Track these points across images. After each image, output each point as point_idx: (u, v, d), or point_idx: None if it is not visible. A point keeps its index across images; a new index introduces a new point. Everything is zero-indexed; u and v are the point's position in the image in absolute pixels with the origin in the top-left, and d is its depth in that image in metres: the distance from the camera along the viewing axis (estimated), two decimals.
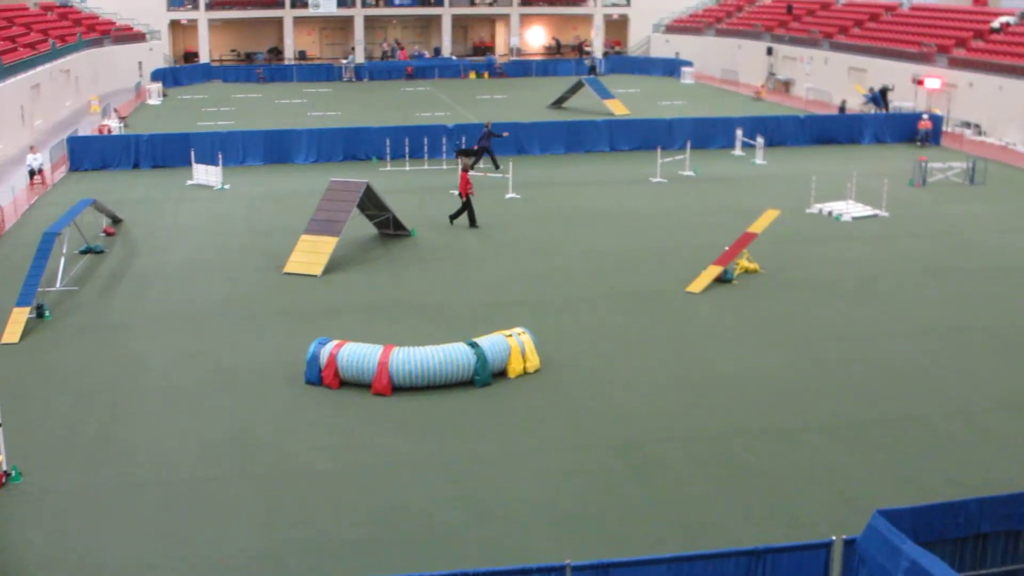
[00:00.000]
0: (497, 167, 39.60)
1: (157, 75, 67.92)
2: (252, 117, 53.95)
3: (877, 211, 33.08)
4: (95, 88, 62.31)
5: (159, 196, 35.92)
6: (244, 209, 33.91)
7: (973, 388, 19.41)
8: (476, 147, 40.20)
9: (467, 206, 31.15)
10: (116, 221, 31.63)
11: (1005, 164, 42.27)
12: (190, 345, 21.65)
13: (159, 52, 74.11)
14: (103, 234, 30.45)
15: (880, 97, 53.19)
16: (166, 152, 41.39)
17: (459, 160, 36.67)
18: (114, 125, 48.59)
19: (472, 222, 31.09)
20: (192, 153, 39.78)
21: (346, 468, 16.35)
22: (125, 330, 22.66)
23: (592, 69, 74.40)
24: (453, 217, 31.35)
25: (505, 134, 41.97)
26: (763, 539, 13.58)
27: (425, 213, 32.56)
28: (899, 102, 53.77)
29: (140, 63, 69.81)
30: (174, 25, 79.38)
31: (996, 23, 54.66)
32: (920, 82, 51.57)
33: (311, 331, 21.75)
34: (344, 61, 74.48)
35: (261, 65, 77.21)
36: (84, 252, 28.43)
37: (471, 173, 32.57)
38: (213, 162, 39.14)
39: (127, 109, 57.35)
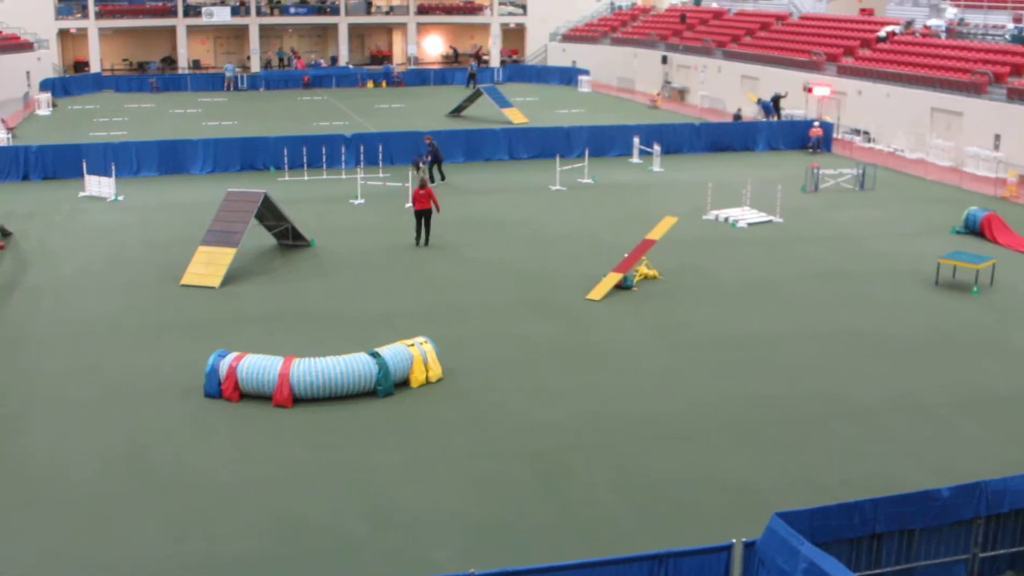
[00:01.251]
0: (440, 178, 39.26)
1: (46, 85, 66.35)
2: (146, 127, 53.03)
3: (771, 217, 33.71)
4: None
5: (50, 208, 35.10)
6: (139, 220, 33.31)
7: (865, 389, 19.86)
8: (422, 163, 38.81)
9: (424, 222, 29.91)
10: (5, 234, 30.83)
11: (893, 170, 43.38)
12: (85, 359, 21.18)
13: (48, 61, 72.34)
14: None
15: (772, 105, 54.23)
16: (57, 163, 40.45)
17: (418, 171, 36.49)
18: (1, 136, 47.38)
19: (419, 237, 30.04)
20: (84, 164, 38.98)
21: (247, 480, 16.15)
22: (17, 344, 22.07)
23: (471, 77, 74.72)
24: (423, 235, 29.97)
25: (428, 157, 39.48)
26: (665, 543, 13.71)
27: (325, 223, 32.32)
28: (790, 110, 54.89)
29: (28, 73, 68.04)
30: (63, 34, 77.65)
31: (882, 32, 56.11)
32: (810, 90, 52.69)
33: (210, 343, 21.44)
34: (228, 73, 73.33)
35: (154, 74, 75.96)
36: None
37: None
38: (106, 173, 38.40)
39: (15, 120, 55.96)
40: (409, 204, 33.25)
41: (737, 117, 54.37)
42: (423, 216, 29.78)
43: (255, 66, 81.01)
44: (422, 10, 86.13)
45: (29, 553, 14.13)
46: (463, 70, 78.73)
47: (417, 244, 29.90)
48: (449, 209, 34.42)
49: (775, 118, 53.22)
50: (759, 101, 55.00)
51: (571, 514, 15.23)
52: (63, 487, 15.93)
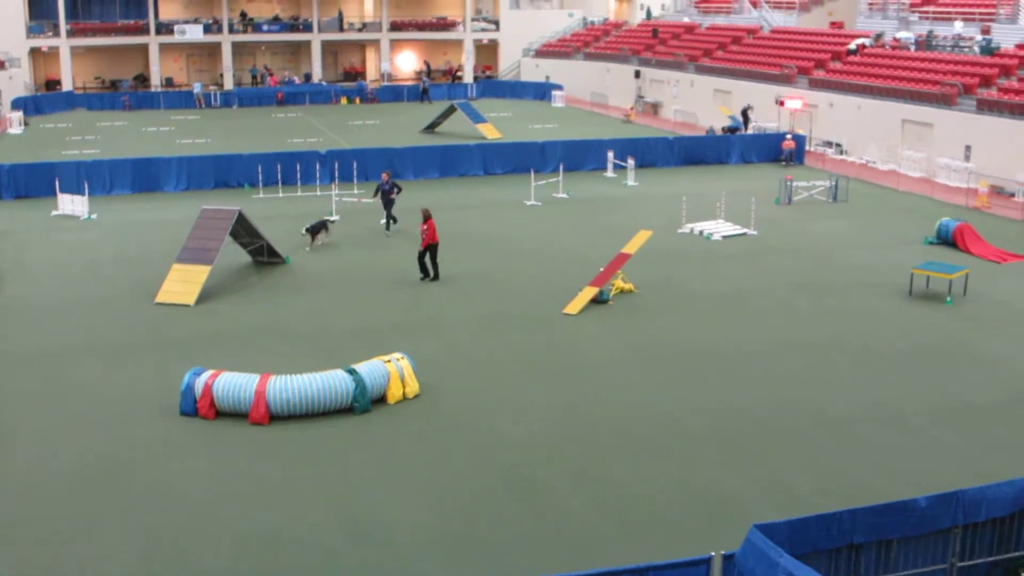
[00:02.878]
0: (393, 223, 34.10)
1: (18, 104, 66.04)
2: (119, 145, 52.78)
3: (746, 229, 33.83)
4: None
5: (22, 227, 34.86)
6: (113, 239, 33.12)
7: (842, 400, 19.93)
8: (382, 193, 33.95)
9: (429, 256, 28.01)
10: None
11: (866, 181, 43.63)
12: (59, 378, 21.00)
13: (19, 80, 71.94)
14: None
15: (740, 119, 54.53)
16: (29, 182, 40.15)
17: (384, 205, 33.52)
18: None
19: (425, 272, 28.09)
20: (57, 183, 38.78)
21: (223, 497, 16.04)
22: None
23: (424, 92, 74.85)
24: (428, 272, 28.09)
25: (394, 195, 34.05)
26: (644, 557, 13.71)
27: (300, 240, 32.21)
28: (763, 122, 55.14)
29: None
30: (35, 52, 77.22)
31: (853, 45, 56.48)
32: (782, 103, 52.98)
33: (185, 361, 21.33)
34: (196, 91, 73.12)
35: (127, 92, 75.67)
36: None
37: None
38: (79, 191, 38.19)
39: None
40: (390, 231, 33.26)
41: (711, 131, 54.55)
42: (430, 251, 27.85)
43: (228, 83, 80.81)
44: (395, 27, 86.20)
45: (5, 573, 13.98)
46: (438, 86, 78.82)
47: (423, 279, 27.96)
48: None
49: (744, 131, 53.48)
50: (731, 119, 55.24)
51: (549, 528, 15.19)
52: (37, 506, 15.79)
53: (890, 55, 53.30)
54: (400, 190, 33.98)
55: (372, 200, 35.76)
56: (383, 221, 34.26)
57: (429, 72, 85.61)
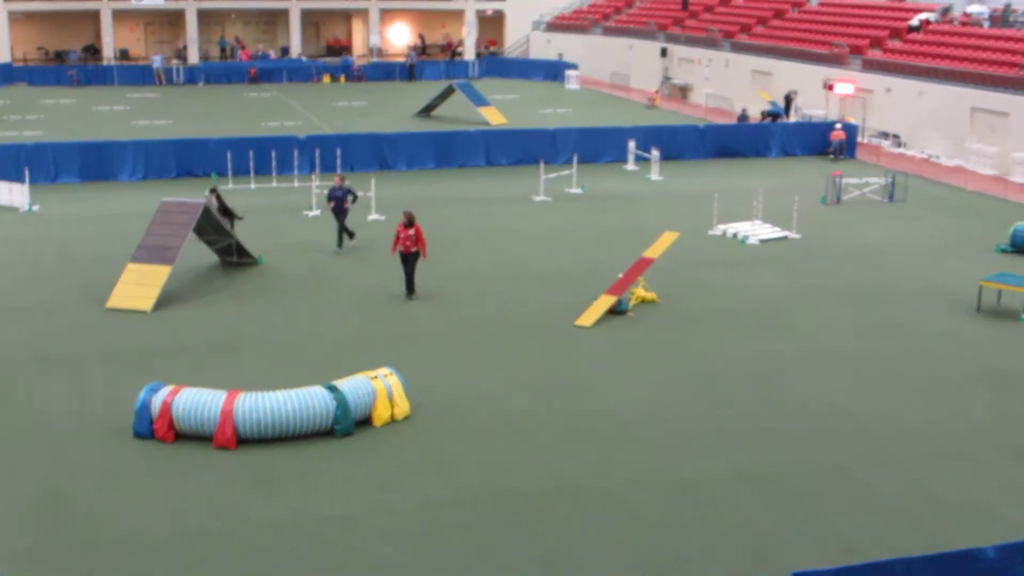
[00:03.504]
0: (347, 238, 31.94)
1: None
2: (65, 126, 52.99)
3: (787, 232, 33.89)
4: None
5: None
6: (57, 234, 33.24)
7: (895, 430, 19.95)
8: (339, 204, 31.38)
9: (409, 267, 27.30)
10: None
11: (927, 179, 43.69)
12: None
13: None
14: None
15: (781, 107, 54.56)
16: None
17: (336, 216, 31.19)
18: None
19: (410, 288, 27.44)
20: None
21: (184, 535, 16.06)
22: None
23: (411, 69, 74.96)
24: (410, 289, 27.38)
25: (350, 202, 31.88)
26: None
27: (274, 238, 32.31)
28: (808, 109, 55.17)
29: None
30: None
31: (915, 20, 56.54)
32: (831, 87, 52.99)
33: (140, 376, 21.37)
34: (156, 65, 73.22)
35: (75, 66, 75.98)
36: None
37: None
38: (19, 179, 38.29)
39: None
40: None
41: (743, 118, 54.58)
42: (410, 261, 27.22)
43: (193, 57, 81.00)
44: None
45: None
46: (435, 64, 79.00)
47: (409, 296, 27.35)
48: (419, 221, 34.33)
49: (786, 119, 53.54)
50: (771, 103, 55.40)
51: (555, 568, 15.22)
52: None
53: (959, 32, 53.37)
54: (356, 198, 31.82)
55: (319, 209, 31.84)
56: (336, 236, 31.58)
57: (424, 48, 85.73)
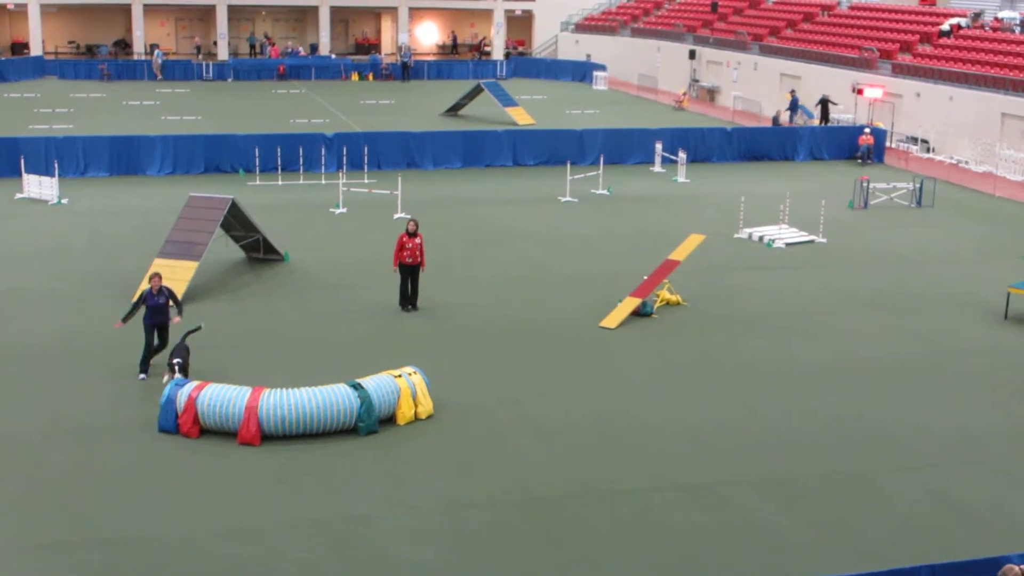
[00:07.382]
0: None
1: None
2: (95, 120, 53.22)
3: (813, 236, 33.78)
4: None
5: None
6: (86, 228, 33.36)
7: (923, 439, 19.85)
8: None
9: (411, 278, 26.20)
10: None
11: (956, 184, 43.49)
12: (19, 388, 21.12)
13: None
14: None
15: (797, 104, 54.55)
16: None
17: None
18: None
19: (406, 301, 26.29)
20: (22, 161, 39.00)
21: (206, 531, 16.10)
22: None
23: (405, 68, 74.85)
24: (407, 301, 26.22)
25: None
26: None
27: (301, 235, 32.37)
28: (837, 113, 54.99)
29: None
30: None
31: (946, 25, 56.29)
32: (860, 91, 52.80)
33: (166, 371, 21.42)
34: (156, 59, 73.09)
35: (106, 60, 76.23)
36: None
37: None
38: (48, 172, 38.45)
39: None
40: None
41: (775, 121, 54.47)
42: (411, 273, 26.20)
43: (223, 53, 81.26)
44: None
45: None
46: (463, 63, 78.95)
47: (404, 308, 26.24)
48: (444, 221, 34.48)
49: (816, 122, 53.36)
50: (792, 93, 55.15)
51: (576, 572, 15.20)
52: None
53: (990, 38, 53.11)
54: (181, 310, 22.49)
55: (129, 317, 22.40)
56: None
57: (455, 46, 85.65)
